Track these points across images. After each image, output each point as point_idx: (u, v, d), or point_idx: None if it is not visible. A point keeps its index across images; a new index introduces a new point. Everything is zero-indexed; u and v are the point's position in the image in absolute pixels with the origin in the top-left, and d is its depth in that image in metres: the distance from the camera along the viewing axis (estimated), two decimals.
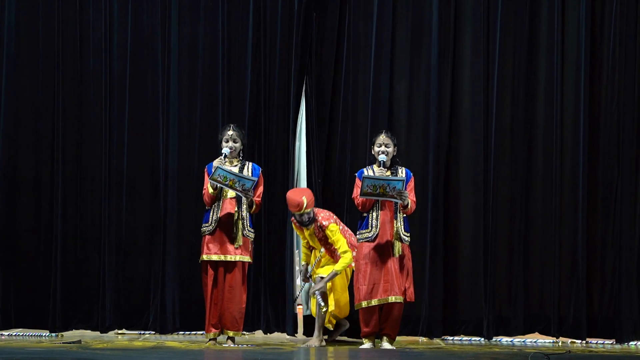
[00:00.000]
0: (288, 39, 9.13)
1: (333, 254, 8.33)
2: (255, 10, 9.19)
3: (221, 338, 8.16)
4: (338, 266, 8.16)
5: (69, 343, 8.22)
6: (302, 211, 8.15)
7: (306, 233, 8.38)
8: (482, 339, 8.86)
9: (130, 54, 9.29)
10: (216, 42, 9.25)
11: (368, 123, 9.05)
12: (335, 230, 8.23)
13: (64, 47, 9.27)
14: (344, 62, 9.17)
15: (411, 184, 8.00)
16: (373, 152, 8.06)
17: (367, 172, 7.96)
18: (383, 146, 7.99)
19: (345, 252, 8.16)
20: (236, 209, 8.04)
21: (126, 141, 9.25)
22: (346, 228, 8.45)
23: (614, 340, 8.79)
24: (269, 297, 9.02)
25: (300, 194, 8.22)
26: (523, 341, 8.90)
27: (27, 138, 9.29)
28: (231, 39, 9.25)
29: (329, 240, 8.24)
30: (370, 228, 7.94)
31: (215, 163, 7.99)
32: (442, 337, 8.94)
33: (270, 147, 9.14)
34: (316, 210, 8.33)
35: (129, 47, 9.29)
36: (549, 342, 8.83)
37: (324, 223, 8.26)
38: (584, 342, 8.78)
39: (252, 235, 8.14)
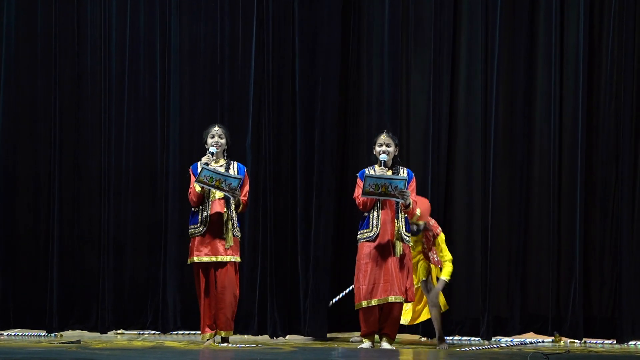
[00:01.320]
0: (291, 38, 9.12)
1: (427, 256, 8.37)
2: (258, 8, 9.16)
3: (218, 338, 8.14)
4: (446, 275, 8.29)
5: (68, 343, 8.21)
6: (412, 220, 8.13)
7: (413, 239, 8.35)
8: (481, 339, 8.86)
9: (129, 53, 9.28)
10: (216, 41, 9.23)
11: (372, 123, 9.08)
12: (443, 239, 8.36)
13: (62, 46, 9.25)
14: (349, 61, 9.18)
15: (413, 183, 7.99)
16: (374, 152, 8.04)
17: (369, 172, 7.94)
18: (384, 146, 7.98)
19: (449, 260, 8.32)
20: (225, 209, 8.01)
21: (125, 141, 9.23)
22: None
23: (614, 340, 8.79)
24: (275, 300, 8.95)
25: (421, 203, 8.19)
26: (522, 341, 8.88)
27: (26, 138, 9.28)
28: (232, 38, 9.24)
29: (435, 248, 8.33)
30: (371, 227, 7.93)
31: (204, 160, 7.95)
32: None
33: (275, 146, 9.11)
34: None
35: (127, 46, 9.28)
36: (549, 342, 8.82)
37: (437, 231, 8.35)
38: (582, 342, 8.78)
39: (239, 234, 8.12)
